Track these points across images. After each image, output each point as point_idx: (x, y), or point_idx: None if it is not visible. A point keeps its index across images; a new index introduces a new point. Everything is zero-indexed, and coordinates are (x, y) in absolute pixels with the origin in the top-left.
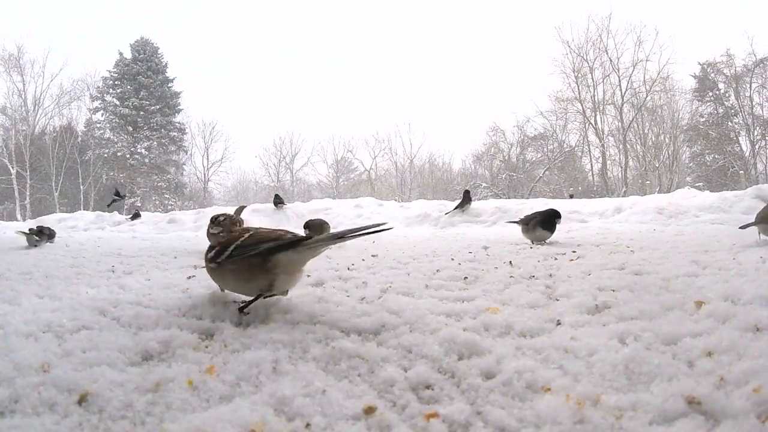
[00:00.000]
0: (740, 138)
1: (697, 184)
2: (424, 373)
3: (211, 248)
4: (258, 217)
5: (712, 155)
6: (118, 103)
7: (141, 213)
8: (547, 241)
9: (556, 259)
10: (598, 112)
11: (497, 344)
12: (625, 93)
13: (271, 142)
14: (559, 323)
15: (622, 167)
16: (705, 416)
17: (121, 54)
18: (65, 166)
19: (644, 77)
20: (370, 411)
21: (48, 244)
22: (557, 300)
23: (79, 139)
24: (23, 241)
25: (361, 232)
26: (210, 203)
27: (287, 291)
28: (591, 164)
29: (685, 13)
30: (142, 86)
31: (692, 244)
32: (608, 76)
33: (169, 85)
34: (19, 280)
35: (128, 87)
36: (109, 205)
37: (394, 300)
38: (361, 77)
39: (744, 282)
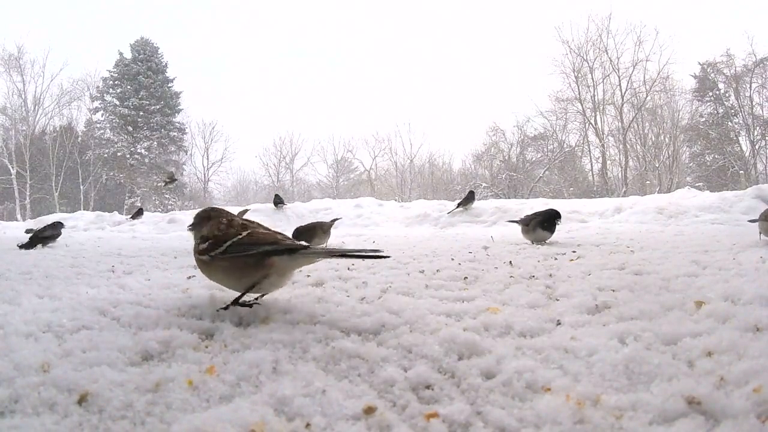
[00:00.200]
0: (740, 138)
1: (697, 184)
2: (424, 373)
3: (204, 239)
4: (258, 217)
5: (712, 155)
6: (118, 103)
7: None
8: (547, 241)
9: (556, 259)
10: (598, 112)
11: (497, 344)
12: (625, 93)
13: (271, 142)
14: (559, 323)
15: (622, 167)
16: (705, 416)
17: (121, 54)
18: (65, 166)
19: (644, 77)
20: (370, 411)
21: (50, 244)
22: (557, 300)
23: (79, 139)
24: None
25: (358, 254)
26: (210, 203)
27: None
28: (591, 164)
29: (685, 13)
30: (142, 86)
31: (692, 244)
32: (608, 76)
33: (169, 85)
34: (19, 280)
35: (128, 87)
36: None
37: (394, 300)
38: (361, 77)
39: (744, 282)
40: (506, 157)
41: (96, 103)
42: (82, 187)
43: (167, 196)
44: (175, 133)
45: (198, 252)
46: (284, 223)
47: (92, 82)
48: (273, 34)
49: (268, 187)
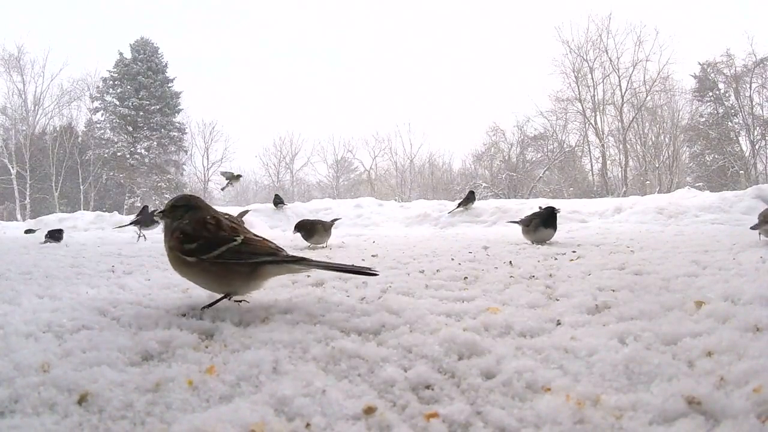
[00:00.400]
0: (740, 138)
1: (697, 184)
2: (424, 373)
3: (189, 238)
4: (258, 217)
5: (712, 155)
6: (118, 103)
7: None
8: (548, 241)
9: (556, 259)
10: (598, 112)
11: (497, 344)
12: (625, 93)
13: (271, 142)
14: (559, 323)
15: (622, 167)
16: (705, 416)
17: (121, 54)
18: (65, 166)
19: (644, 77)
20: (370, 411)
21: (55, 243)
22: (557, 300)
23: (79, 139)
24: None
25: (349, 270)
26: (210, 203)
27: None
28: (591, 164)
29: (685, 13)
30: (142, 86)
31: (692, 244)
32: (608, 76)
33: (169, 85)
34: (19, 280)
35: (128, 87)
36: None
37: (394, 300)
38: (361, 77)
39: (744, 282)
40: (506, 157)
41: (96, 103)
42: (82, 187)
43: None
44: (175, 133)
45: (181, 251)
46: (284, 223)
47: (92, 82)
48: (273, 34)
49: (268, 187)
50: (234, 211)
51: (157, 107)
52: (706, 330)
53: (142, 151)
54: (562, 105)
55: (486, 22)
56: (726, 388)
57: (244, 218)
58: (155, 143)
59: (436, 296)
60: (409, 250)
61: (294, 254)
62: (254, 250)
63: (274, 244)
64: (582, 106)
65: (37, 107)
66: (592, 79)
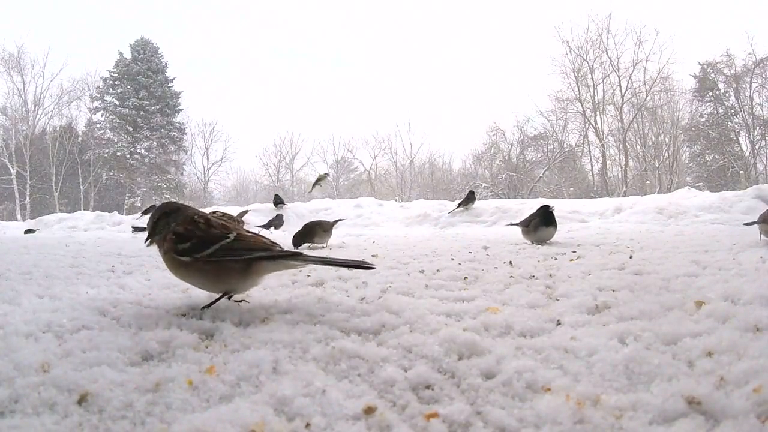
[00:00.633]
0: (740, 138)
1: (697, 184)
2: (424, 373)
3: (182, 238)
4: (258, 218)
5: (712, 155)
6: (118, 103)
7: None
8: (549, 241)
9: (556, 259)
10: (598, 112)
11: (497, 344)
12: (625, 93)
13: (271, 142)
14: (559, 323)
15: (622, 167)
16: (705, 416)
17: (121, 54)
18: (65, 166)
19: (644, 77)
20: (370, 411)
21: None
22: (557, 300)
23: (80, 139)
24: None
25: (345, 263)
26: (210, 203)
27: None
28: (591, 164)
29: (685, 13)
30: (142, 86)
31: (692, 244)
32: (608, 76)
33: (169, 85)
34: (19, 280)
35: (128, 87)
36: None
37: (394, 300)
38: (360, 77)
39: (744, 282)
40: (506, 157)
41: (96, 103)
42: (82, 187)
43: (167, 195)
44: (175, 133)
45: (175, 252)
46: (284, 223)
47: (92, 82)
48: (273, 34)
49: (268, 187)
50: (234, 211)
51: (157, 107)
52: (706, 330)
53: (142, 151)
54: (562, 105)
55: (486, 22)
56: (726, 388)
57: (244, 218)
58: (155, 143)
59: (436, 296)
60: (409, 250)
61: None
62: (248, 246)
63: (269, 239)
64: (582, 106)
65: (37, 107)
66: (592, 79)
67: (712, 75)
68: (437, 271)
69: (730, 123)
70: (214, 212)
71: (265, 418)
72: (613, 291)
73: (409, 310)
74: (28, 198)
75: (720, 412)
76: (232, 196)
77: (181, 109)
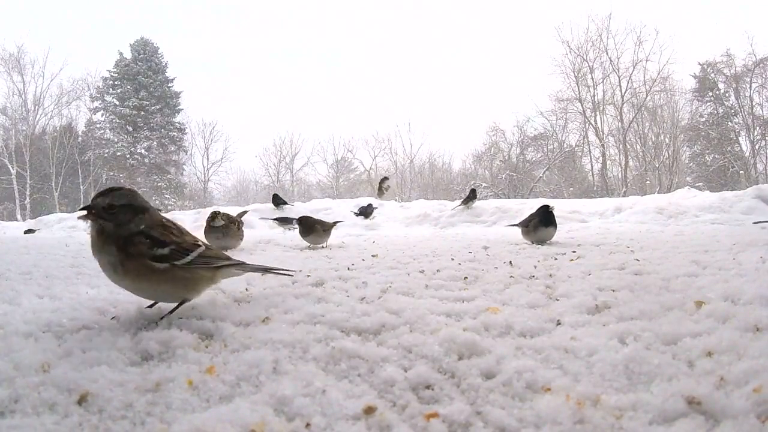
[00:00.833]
0: (740, 138)
1: (697, 184)
2: (424, 373)
3: (158, 243)
4: (259, 218)
5: (712, 155)
6: (118, 103)
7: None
8: (549, 241)
9: (556, 259)
10: (598, 112)
11: (497, 344)
12: (625, 93)
13: (271, 142)
14: (559, 323)
15: (622, 167)
16: (705, 416)
17: (121, 54)
18: (65, 166)
19: (644, 77)
20: (370, 411)
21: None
22: (557, 300)
23: (79, 139)
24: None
25: (270, 270)
26: (210, 203)
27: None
28: (591, 164)
29: (685, 13)
30: (142, 86)
31: (692, 244)
32: (608, 76)
33: (169, 85)
34: (19, 280)
35: (128, 87)
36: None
37: (394, 300)
38: (361, 77)
39: (744, 282)
40: (506, 157)
41: (96, 103)
42: (82, 187)
43: (167, 195)
44: (175, 133)
45: (151, 258)
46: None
47: (92, 82)
48: (273, 34)
49: (268, 187)
50: (233, 211)
51: (157, 107)
52: (706, 330)
53: (142, 151)
54: (562, 105)
55: (486, 22)
56: (726, 388)
57: (243, 218)
58: (155, 143)
59: (436, 296)
60: (409, 250)
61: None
62: (215, 254)
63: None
64: (582, 106)
65: (37, 107)
66: (592, 79)
67: (712, 75)
68: (437, 271)
69: (730, 123)
70: (214, 212)
71: (265, 418)
72: (613, 291)
73: (409, 310)
74: (28, 198)
75: (720, 412)
76: (232, 196)
77: (181, 109)
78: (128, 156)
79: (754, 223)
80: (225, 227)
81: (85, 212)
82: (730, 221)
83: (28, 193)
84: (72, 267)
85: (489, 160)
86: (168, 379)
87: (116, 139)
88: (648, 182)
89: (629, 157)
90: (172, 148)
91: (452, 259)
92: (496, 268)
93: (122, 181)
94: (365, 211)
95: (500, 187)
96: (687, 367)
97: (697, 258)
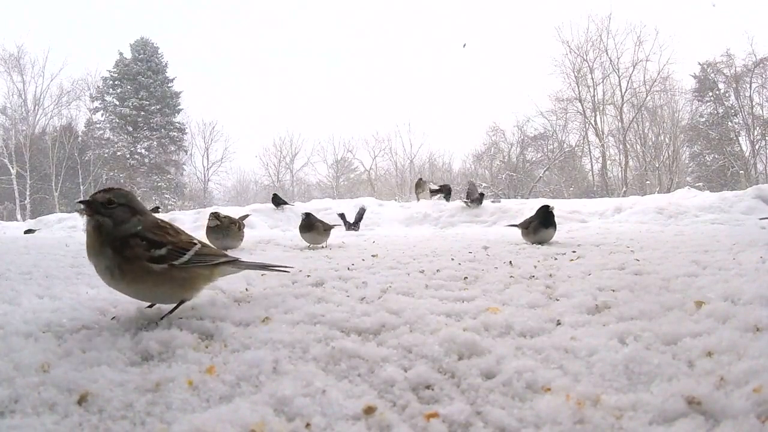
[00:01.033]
0: (740, 138)
1: (697, 184)
2: (424, 373)
3: (155, 244)
4: (258, 217)
5: (712, 155)
6: (118, 103)
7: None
8: (549, 241)
9: (556, 259)
10: (598, 112)
11: (497, 344)
12: (625, 93)
13: (271, 142)
14: (559, 323)
15: (622, 167)
16: (705, 416)
17: (121, 54)
18: (65, 166)
19: (644, 77)
20: (370, 411)
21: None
22: (557, 300)
23: (79, 139)
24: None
25: (268, 267)
26: (210, 203)
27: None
28: (591, 164)
29: (685, 13)
30: (142, 86)
31: (692, 244)
32: (608, 76)
33: (169, 85)
34: (19, 280)
35: (128, 87)
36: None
37: (394, 300)
38: (361, 77)
39: (744, 282)
40: (506, 157)
41: (96, 103)
42: (82, 187)
43: (167, 195)
44: (175, 133)
45: (149, 259)
46: (284, 223)
47: (92, 82)
48: (273, 34)
49: (268, 187)
50: (233, 211)
51: (157, 107)
52: (706, 330)
53: (142, 151)
54: (562, 105)
55: (486, 22)
56: (726, 388)
57: (245, 221)
58: (155, 143)
59: (436, 296)
60: (409, 250)
61: (233, 255)
62: (211, 251)
63: (217, 248)
64: (582, 106)
65: (37, 107)
66: (592, 79)
67: (712, 75)
68: (437, 271)
69: (730, 123)
70: (215, 213)
71: (265, 418)
72: (613, 291)
73: (409, 310)
74: (28, 198)
75: (720, 412)
76: (232, 196)
77: (181, 109)
78: (128, 156)
79: (761, 219)
80: (225, 227)
81: (84, 204)
82: (730, 221)
83: (28, 193)
84: (72, 267)
85: (489, 160)
86: (168, 379)
87: (116, 139)
88: (648, 182)
89: (629, 157)
90: (172, 148)
91: (452, 259)
92: (496, 268)
93: (122, 181)
94: (356, 223)
95: (500, 187)
96: (687, 367)
97: (697, 258)
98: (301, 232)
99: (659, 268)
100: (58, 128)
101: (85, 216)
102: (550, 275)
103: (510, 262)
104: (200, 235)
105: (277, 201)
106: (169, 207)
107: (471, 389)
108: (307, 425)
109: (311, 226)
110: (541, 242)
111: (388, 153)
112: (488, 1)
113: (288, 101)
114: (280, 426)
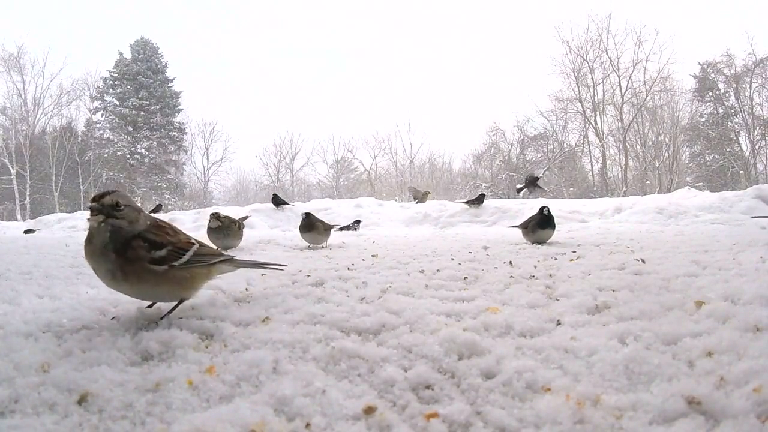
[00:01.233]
0: (740, 138)
1: (697, 184)
2: (424, 373)
3: (156, 245)
4: (258, 217)
5: (712, 155)
6: (118, 103)
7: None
8: (548, 241)
9: (556, 259)
10: (598, 112)
11: (497, 344)
12: (625, 93)
13: (271, 142)
14: (559, 323)
15: (622, 167)
16: (705, 416)
17: (121, 54)
18: (65, 166)
19: (644, 77)
20: (370, 411)
21: None
22: (557, 300)
23: (79, 139)
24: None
25: (263, 265)
26: (210, 203)
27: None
28: (591, 164)
29: (685, 13)
30: (142, 86)
31: (692, 244)
32: (608, 76)
33: (169, 85)
34: (19, 280)
35: (128, 87)
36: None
37: (394, 300)
38: (360, 77)
39: (744, 282)
40: (506, 157)
41: (96, 103)
42: (82, 187)
43: (167, 195)
44: (175, 133)
45: (150, 261)
46: (284, 223)
47: (92, 82)
48: (273, 34)
49: (268, 187)
50: (233, 211)
51: (157, 107)
52: (706, 330)
53: (142, 151)
54: (562, 105)
55: (486, 22)
56: (726, 388)
57: (244, 222)
58: (155, 143)
59: (436, 296)
60: (409, 250)
61: (230, 254)
62: (209, 251)
63: (212, 246)
64: (582, 106)
65: (37, 107)
66: (592, 79)
67: (712, 75)
68: (437, 271)
69: (730, 123)
70: (216, 214)
71: (265, 418)
72: (613, 291)
73: (409, 310)
74: (28, 198)
75: (720, 412)
76: (232, 196)
77: (181, 109)
78: (128, 156)
79: (753, 217)
80: (226, 227)
81: (97, 214)
82: (730, 221)
83: (28, 193)
84: (72, 267)
85: (489, 160)
86: (168, 379)
87: (116, 139)
88: (648, 182)
89: (629, 157)
90: (172, 148)
91: (452, 259)
92: (496, 268)
93: (122, 181)
94: (356, 226)
95: (500, 187)
96: (687, 367)
97: (697, 258)
98: (301, 232)
99: (659, 268)
100: (58, 128)
101: (97, 223)
102: (550, 275)
103: (510, 262)
104: (201, 235)
105: (277, 201)
106: (169, 207)
107: (471, 389)
108: (307, 425)
109: (311, 226)
110: (540, 242)
111: (388, 153)
112: (488, 1)
113: (288, 101)
114: (280, 426)
